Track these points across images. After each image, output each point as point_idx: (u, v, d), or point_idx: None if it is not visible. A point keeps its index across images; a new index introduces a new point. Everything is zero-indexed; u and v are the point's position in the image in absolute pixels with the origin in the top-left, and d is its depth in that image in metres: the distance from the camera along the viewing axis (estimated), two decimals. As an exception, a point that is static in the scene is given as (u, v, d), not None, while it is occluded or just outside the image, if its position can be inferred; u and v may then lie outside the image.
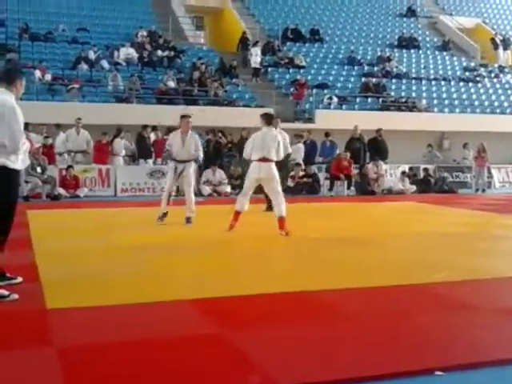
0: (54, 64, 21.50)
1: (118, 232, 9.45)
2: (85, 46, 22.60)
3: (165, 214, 10.34)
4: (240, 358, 3.87)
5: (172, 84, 21.26)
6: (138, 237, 8.90)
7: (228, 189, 17.19)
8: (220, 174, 17.27)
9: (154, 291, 5.51)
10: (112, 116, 18.69)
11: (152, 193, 16.94)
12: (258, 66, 23.99)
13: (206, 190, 16.81)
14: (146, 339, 4.18)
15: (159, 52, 23.28)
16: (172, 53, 23.47)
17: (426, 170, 19.43)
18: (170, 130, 17.64)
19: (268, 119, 9.48)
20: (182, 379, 3.49)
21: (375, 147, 18.95)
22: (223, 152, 18.33)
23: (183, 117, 10.31)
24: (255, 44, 24.60)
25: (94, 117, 18.09)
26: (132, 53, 22.75)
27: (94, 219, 11.50)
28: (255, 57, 23.98)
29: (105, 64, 21.82)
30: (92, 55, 21.91)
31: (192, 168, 10.50)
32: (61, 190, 15.58)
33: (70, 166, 16.16)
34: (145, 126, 17.86)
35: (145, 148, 17.92)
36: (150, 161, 18.09)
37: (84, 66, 21.28)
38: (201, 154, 10.58)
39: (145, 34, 24.09)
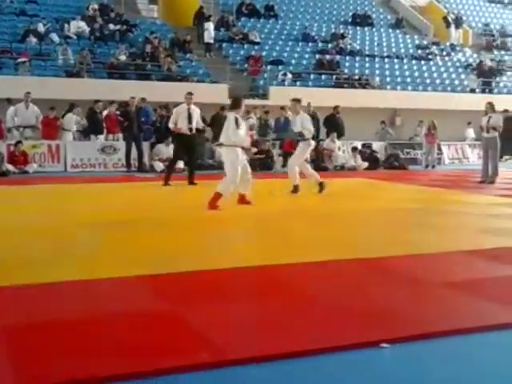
0: (2, 37, 20.93)
1: (68, 208, 9.30)
2: (34, 19, 21.96)
3: None
4: (191, 332, 3.84)
5: (124, 58, 20.89)
6: (88, 213, 8.77)
7: (181, 164, 17.02)
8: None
9: (105, 268, 5.44)
10: (62, 91, 18.32)
11: (103, 168, 16.72)
12: (210, 41, 23.74)
13: (159, 165, 16.63)
14: (97, 315, 4.12)
15: (111, 26, 22.84)
16: (124, 27, 23.09)
17: (368, 146, 19.63)
18: (121, 105, 17.46)
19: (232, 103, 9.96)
20: (132, 354, 3.45)
21: (332, 124, 19.06)
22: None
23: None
24: (208, 19, 24.32)
25: (44, 91, 17.71)
26: (83, 26, 22.27)
27: (42, 196, 11.28)
28: (208, 32, 23.72)
29: (55, 37, 21.30)
30: (41, 28, 21.33)
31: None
32: (9, 166, 15.24)
33: (18, 142, 15.82)
34: (96, 101, 17.54)
35: (96, 123, 17.61)
36: (102, 136, 17.82)
37: (33, 40, 20.72)
38: None
39: (96, 7, 23.56)
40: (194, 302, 4.47)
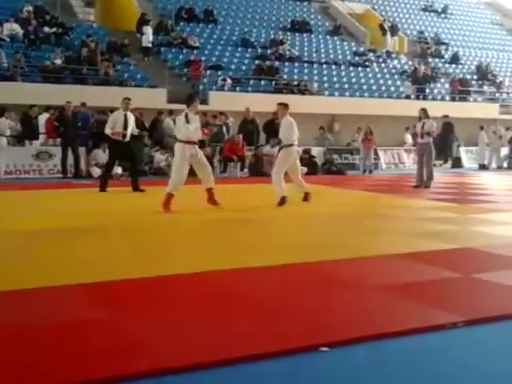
0: None
1: (4, 216, 9.03)
2: (-35, 20, 21.32)
3: None
4: (130, 341, 3.79)
5: (59, 62, 20.46)
6: (21, 221, 8.54)
7: (119, 170, 16.79)
8: (110, 155, 16.82)
9: (35, 277, 5.29)
10: (-5, 94, 17.78)
11: (38, 175, 16.32)
12: (149, 45, 23.52)
13: (96, 171, 16.35)
14: (29, 326, 4.00)
15: (46, 28, 22.37)
16: (60, 29, 22.61)
17: (307, 151, 19.79)
18: (56, 109, 17.09)
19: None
20: (69, 365, 3.36)
21: (272, 129, 19.10)
22: (115, 133, 17.89)
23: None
24: (147, 23, 24.09)
25: (-25, 95, 17.18)
26: (16, 29, 21.70)
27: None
28: (146, 36, 23.50)
29: (-13, 39, 20.70)
30: (-27, 30, 20.71)
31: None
32: None
33: None
34: (32, 106, 17.15)
35: (31, 128, 17.21)
36: (37, 142, 17.41)
37: (-36, 41, 20.09)
38: None
39: (30, 9, 23.01)
40: (133, 310, 4.40)
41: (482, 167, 22.72)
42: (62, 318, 4.21)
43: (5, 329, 3.97)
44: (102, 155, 16.63)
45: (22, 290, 4.85)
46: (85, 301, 4.65)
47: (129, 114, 12.46)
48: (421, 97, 26.92)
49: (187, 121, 9.59)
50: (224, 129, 18.80)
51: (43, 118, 17.54)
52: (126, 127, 12.28)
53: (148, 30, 23.62)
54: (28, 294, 4.76)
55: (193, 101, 9.96)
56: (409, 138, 23.95)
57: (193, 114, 9.79)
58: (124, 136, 12.31)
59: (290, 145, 10.50)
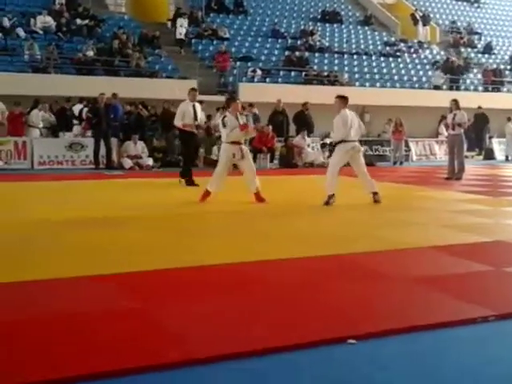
0: (-34, 31, 20.52)
1: (36, 206, 9.20)
2: (-1, 13, 21.61)
3: None
4: (159, 331, 3.84)
5: (91, 54, 20.66)
6: (55, 211, 8.68)
7: (150, 162, 16.96)
8: (142, 147, 16.99)
9: (69, 266, 5.38)
10: (28, 86, 18.06)
11: (71, 166, 16.54)
12: (182, 38, 23.59)
13: (128, 162, 16.52)
14: (60, 315, 4.09)
15: (78, 20, 22.55)
16: (92, 22, 22.78)
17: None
18: (89, 101, 17.29)
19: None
20: (102, 354, 3.43)
21: (301, 120, 19.11)
22: (146, 124, 18.03)
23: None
24: (181, 15, 24.15)
25: (10, 87, 17.47)
26: (49, 21, 21.92)
27: (9, 192, 11.13)
28: (180, 28, 23.57)
29: (20, 32, 20.94)
30: (6, 23, 20.94)
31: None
32: (-26, 163, 15.00)
33: (-17, 138, 15.57)
34: (68, 99, 17.44)
35: (66, 120, 17.49)
36: (70, 133, 17.65)
37: (-2, 34, 20.38)
38: None
39: (63, 1, 23.24)
40: (163, 301, 4.45)
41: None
42: (94, 307, 4.28)
43: (39, 317, 4.05)
44: (132, 147, 16.79)
45: (55, 279, 4.95)
46: (119, 290, 4.73)
47: (197, 104, 12.19)
48: (453, 87, 26.59)
49: (224, 125, 9.70)
50: (251, 119, 18.79)
51: (76, 109, 17.76)
52: (196, 118, 12.03)
53: (183, 23, 23.66)
54: (61, 284, 4.85)
55: (233, 101, 9.94)
56: (443, 130, 23.68)
57: (234, 114, 9.75)
58: (196, 127, 12.13)
59: (340, 141, 9.62)
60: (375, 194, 9.70)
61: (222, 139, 10.02)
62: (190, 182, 11.98)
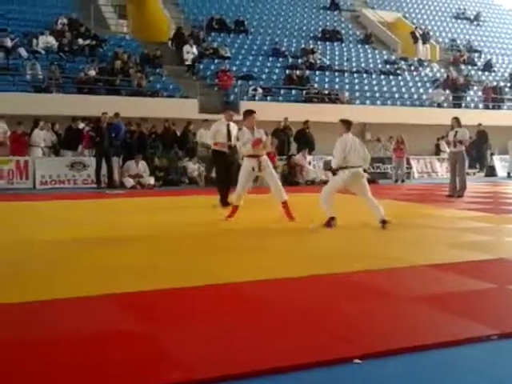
0: (-32, 52, 20.63)
1: (38, 226, 9.20)
2: (1, 34, 21.66)
3: None
4: (162, 352, 3.82)
5: (93, 73, 20.77)
6: (55, 231, 8.68)
7: (152, 181, 16.99)
8: (143, 166, 17.04)
9: (72, 286, 5.37)
10: (30, 106, 18.14)
11: (73, 185, 16.58)
12: (190, 63, 23.65)
13: (129, 181, 16.56)
14: (59, 337, 4.07)
15: (80, 40, 22.69)
16: (93, 41, 22.92)
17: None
18: (90, 120, 17.36)
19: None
20: (101, 376, 3.41)
21: (303, 139, 19.16)
22: (147, 143, 18.09)
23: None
24: (187, 41, 24.25)
25: (12, 107, 17.56)
26: (51, 41, 22.04)
27: (11, 212, 11.14)
28: (187, 54, 23.67)
29: (23, 52, 21.04)
30: (9, 43, 21.06)
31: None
32: (-23, 183, 15.03)
33: (-14, 158, 15.61)
34: (74, 119, 17.53)
35: (73, 139, 17.59)
36: (73, 152, 17.71)
37: (0, 54, 20.47)
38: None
39: (65, 21, 23.36)
40: (166, 321, 4.44)
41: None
42: (94, 328, 4.26)
43: (35, 339, 4.03)
44: (134, 166, 16.83)
45: (54, 300, 4.94)
46: (117, 311, 4.71)
47: (232, 124, 11.96)
48: (454, 105, 26.67)
49: (238, 138, 9.97)
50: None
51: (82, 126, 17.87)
52: (229, 138, 11.79)
53: (190, 50, 23.79)
54: (60, 304, 4.84)
55: (249, 114, 9.90)
56: (445, 147, 23.73)
57: (250, 128, 9.80)
58: (229, 147, 11.82)
59: (341, 167, 9.11)
60: (384, 222, 9.05)
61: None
62: (225, 203, 11.42)
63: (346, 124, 9.37)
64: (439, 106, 26.21)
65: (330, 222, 9.08)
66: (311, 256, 6.96)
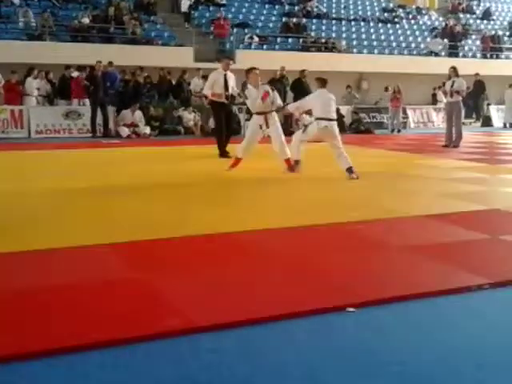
0: (-41, -1, 20.26)
1: (34, 175, 9.21)
2: (-8, -20, 21.30)
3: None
4: (160, 299, 3.88)
5: (87, 21, 20.46)
6: (54, 180, 8.70)
7: (147, 130, 16.93)
8: (139, 115, 16.94)
9: (69, 236, 5.42)
10: (24, 54, 17.92)
11: (68, 134, 16.51)
12: (187, 11, 23.24)
13: (125, 131, 16.50)
14: (60, 285, 4.13)
15: (73, -13, 22.26)
16: (87, -12, 22.49)
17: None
18: (85, 68, 17.18)
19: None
20: (101, 323, 3.47)
21: (299, 88, 18.98)
22: (143, 92, 17.94)
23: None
24: None
25: (5, 55, 17.33)
26: (44, -13, 21.64)
27: (8, 162, 11.14)
28: (184, 0, 23.23)
29: (15, -1, 20.72)
30: (0, -11, 20.71)
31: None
32: (-29, 132, 14.96)
33: (-21, 107, 15.50)
34: (67, 67, 17.32)
35: (66, 89, 17.43)
36: (68, 101, 17.59)
37: (-8, 1, 20.13)
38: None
39: (57, -33, 22.88)
40: (164, 270, 4.49)
41: (510, 126, 22.40)
42: (94, 276, 4.31)
43: (37, 286, 4.09)
44: (129, 116, 16.73)
45: (56, 249, 4.99)
46: (113, 260, 4.76)
47: (229, 74, 11.73)
48: (451, 54, 26.42)
49: (245, 96, 9.88)
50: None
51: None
52: (226, 88, 11.60)
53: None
54: (61, 253, 4.89)
55: (251, 71, 9.78)
56: (442, 97, 23.61)
57: (255, 85, 9.71)
58: (226, 97, 11.69)
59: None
60: (350, 169, 9.17)
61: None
62: (223, 154, 11.50)
63: (319, 81, 9.57)
64: (436, 55, 25.96)
65: (293, 166, 9.44)
66: (307, 206, 7.00)
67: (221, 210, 6.76)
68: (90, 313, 3.62)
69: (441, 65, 21.59)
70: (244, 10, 25.06)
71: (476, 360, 3.16)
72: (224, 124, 11.79)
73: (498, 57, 27.52)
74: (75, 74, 17.38)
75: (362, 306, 3.80)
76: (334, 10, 27.12)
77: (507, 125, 22.46)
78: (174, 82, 19.04)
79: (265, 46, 23.06)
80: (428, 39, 27.05)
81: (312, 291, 4.04)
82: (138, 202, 7.14)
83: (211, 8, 24.18)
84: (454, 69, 14.49)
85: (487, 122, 23.26)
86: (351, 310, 3.74)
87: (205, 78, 15.02)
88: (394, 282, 4.30)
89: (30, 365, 2.99)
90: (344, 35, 25.37)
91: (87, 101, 17.08)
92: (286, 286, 4.15)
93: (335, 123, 9.50)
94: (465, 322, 3.67)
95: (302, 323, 3.57)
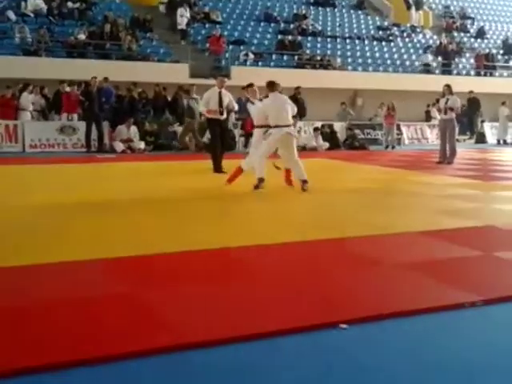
0: (-45, 14, 20.32)
1: (28, 190, 9.18)
2: (-12, -4, 21.41)
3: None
4: (151, 315, 3.85)
5: (83, 37, 20.53)
6: (46, 195, 8.67)
7: (142, 145, 16.95)
8: (133, 130, 16.96)
9: (62, 251, 5.39)
10: (19, 70, 17.99)
11: (62, 149, 16.50)
12: (184, 28, 23.31)
13: (120, 146, 16.50)
14: (55, 300, 4.09)
15: (69, 3, 22.39)
16: (83, 4, 22.61)
17: (330, 126, 19.70)
18: (80, 84, 17.21)
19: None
20: (90, 339, 3.44)
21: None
22: (138, 108, 17.96)
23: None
24: (181, 4, 23.90)
25: (0, 70, 17.33)
26: (40, 4, 21.79)
27: (2, 176, 11.12)
28: (181, 18, 23.31)
29: (11, 15, 20.79)
30: (-3, 5, 20.81)
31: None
32: (-35, 147, 14.93)
33: (-26, 122, 15.49)
34: (61, 82, 17.33)
35: (60, 103, 17.44)
36: (63, 116, 17.57)
37: (-13, 17, 20.20)
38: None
39: (54, -17, 23.00)
40: (155, 285, 4.47)
41: (504, 142, 22.53)
42: (84, 291, 4.28)
43: (24, 302, 4.05)
44: (125, 131, 16.74)
45: (45, 264, 4.94)
46: (109, 275, 4.73)
47: (223, 91, 11.86)
48: (446, 72, 26.58)
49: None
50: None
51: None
52: (221, 104, 11.76)
53: (184, 13, 23.43)
54: (51, 268, 4.85)
55: (251, 87, 10.33)
56: (436, 114, 23.71)
57: (256, 100, 10.19)
58: (221, 113, 11.81)
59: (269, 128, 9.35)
60: (304, 182, 9.23)
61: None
62: (217, 169, 11.60)
63: (269, 85, 9.42)
64: (429, 72, 26.12)
65: (258, 184, 9.13)
66: (296, 222, 6.99)
67: (214, 225, 6.74)
68: (79, 328, 3.59)
69: (435, 82, 21.73)
70: (239, 28, 25.19)
71: (469, 378, 3.14)
72: (219, 140, 11.87)
73: (491, 75, 27.71)
74: (68, 89, 17.38)
75: (355, 323, 3.77)
76: (329, 28, 27.29)
77: (501, 141, 22.57)
78: (169, 98, 19.08)
79: (260, 63, 23.16)
80: (423, 58, 27.23)
81: (304, 307, 4.02)
82: (130, 218, 7.11)
83: (207, 25, 24.30)
84: (448, 86, 14.57)
85: (481, 138, 23.38)
86: (344, 326, 3.72)
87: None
88: (387, 299, 4.28)
89: (18, 381, 2.96)
90: (339, 53, 25.53)
91: (75, 116, 17.11)
92: (278, 302, 4.12)
93: (293, 129, 9.46)
94: (457, 340, 3.65)
95: (293, 340, 3.54)
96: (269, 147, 9.30)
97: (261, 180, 9.19)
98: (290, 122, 9.30)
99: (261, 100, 10.31)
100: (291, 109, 9.41)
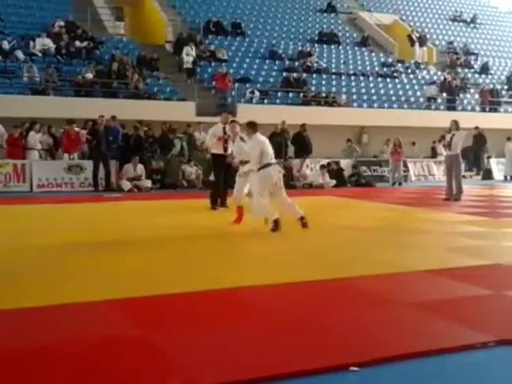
0: (-34, 54, 20.61)
1: (36, 230, 9.20)
2: (-2, 36, 21.73)
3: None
4: (160, 358, 3.81)
5: (90, 76, 20.77)
6: (55, 235, 8.67)
7: (149, 184, 16.99)
8: (140, 169, 17.03)
9: (72, 292, 5.37)
10: (27, 109, 18.13)
11: (70, 188, 16.55)
12: (190, 67, 23.54)
13: (127, 185, 16.54)
14: (58, 342, 4.06)
15: (77, 43, 22.67)
16: (90, 44, 22.91)
17: (336, 163, 19.75)
18: (86, 122, 17.35)
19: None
20: (101, 382, 3.40)
21: (300, 142, 19.18)
22: (144, 146, 18.06)
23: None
24: (187, 43, 24.18)
25: (9, 110, 17.54)
26: (48, 43, 22.05)
27: (9, 216, 11.13)
28: (187, 57, 23.55)
29: (20, 55, 21.04)
30: (6, 45, 21.06)
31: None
32: (-27, 187, 15.00)
33: (-18, 162, 15.59)
34: (70, 121, 17.44)
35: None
36: (75, 155, 17.68)
37: (-3, 57, 20.47)
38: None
39: (62, 24, 23.33)
40: (165, 327, 4.43)
41: (511, 178, 22.49)
42: (93, 334, 4.26)
43: (35, 344, 4.03)
44: (131, 170, 16.81)
45: (54, 306, 4.93)
46: (119, 316, 4.71)
47: (228, 127, 11.78)
48: (450, 108, 26.70)
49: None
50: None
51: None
52: (226, 141, 11.86)
53: (189, 51, 23.71)
54: (60, 310, 4.83)
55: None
56: (442, 149, 23.72)
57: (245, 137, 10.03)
58: (225, 149, 11.91)
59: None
60: (302, 219, 9.19)
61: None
62: (222, 204, 11.97)
63: (252, 126, 9.35)
64: (434, 107, 26.23)
65: (275, 225, 8.96)
66: (303, 261, 6.95)
67: (223, 264, 6.71)
68: (89, 371, 3.56)
69: (440, 118, 21.83)
70: (245, 66, 25.44)
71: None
72: (222, 176, 12.06)
73: (496, 110, 27.83)
74: (76, 129, 17.48)
75: (365, 365, 3.72)
76: (333, 65, 27.54)
77: (508, 177, 22.54)
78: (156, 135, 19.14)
79: (266, 101, 23.33)
80: (428, 90, 27.38)
81: (314, 349, 3.97)
82: (139, 257, 7.10)
83: (213, 63, 24.56)
84: (455, 122, 14.62)
85: (488, 174, 23.35)
86: (355, 368, 3.67)
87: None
88: (397, 340, 4.23)
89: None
90: (344, 89, 25.70)
91: (76, 155, 17.22)
92: (287, 343, 4.08)
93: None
94: (469, 381, 3.59)
95: (305, 382, 3.49)
96: (265, 186, 9.15)
97: (275, 221, 9.00)
98: (273, 160, 9.38)
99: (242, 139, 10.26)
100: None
